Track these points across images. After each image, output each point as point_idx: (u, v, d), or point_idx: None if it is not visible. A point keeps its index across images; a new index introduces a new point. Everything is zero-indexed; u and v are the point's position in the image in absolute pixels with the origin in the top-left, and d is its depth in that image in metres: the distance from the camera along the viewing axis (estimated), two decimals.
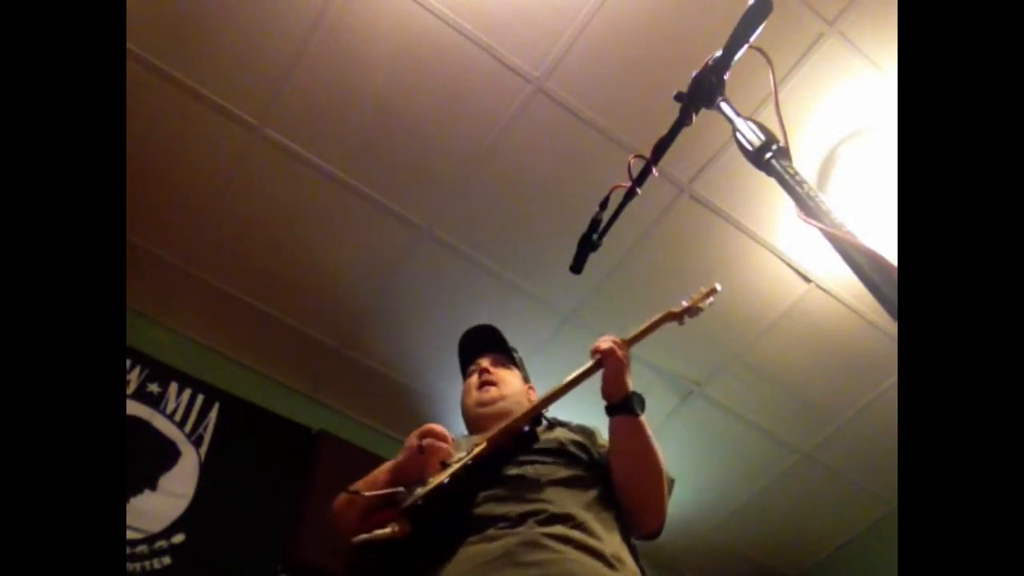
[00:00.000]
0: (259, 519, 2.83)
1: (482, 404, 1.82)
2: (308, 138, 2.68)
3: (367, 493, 1.58)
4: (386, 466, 1.65)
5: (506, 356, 1.95)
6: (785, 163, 1.09)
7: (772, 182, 1.09)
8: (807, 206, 1.02)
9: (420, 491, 1.53)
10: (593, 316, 3.05)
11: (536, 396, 1.91)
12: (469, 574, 1.40)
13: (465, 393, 1.90)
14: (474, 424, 1.83)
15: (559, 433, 1.71)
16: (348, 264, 2.99)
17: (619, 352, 1.63)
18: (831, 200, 1.25)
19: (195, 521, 2.70)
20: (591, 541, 1.44)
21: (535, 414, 1.68)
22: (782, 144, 1.11)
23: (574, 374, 1.65)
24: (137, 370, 2.89)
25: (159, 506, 2.67)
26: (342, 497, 1.67)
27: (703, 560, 3.86)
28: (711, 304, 1.77)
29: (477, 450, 1.59)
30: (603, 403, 1.65)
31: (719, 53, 1.24)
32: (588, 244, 1.51)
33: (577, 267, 1.55)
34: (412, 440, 1.61)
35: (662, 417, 3.29)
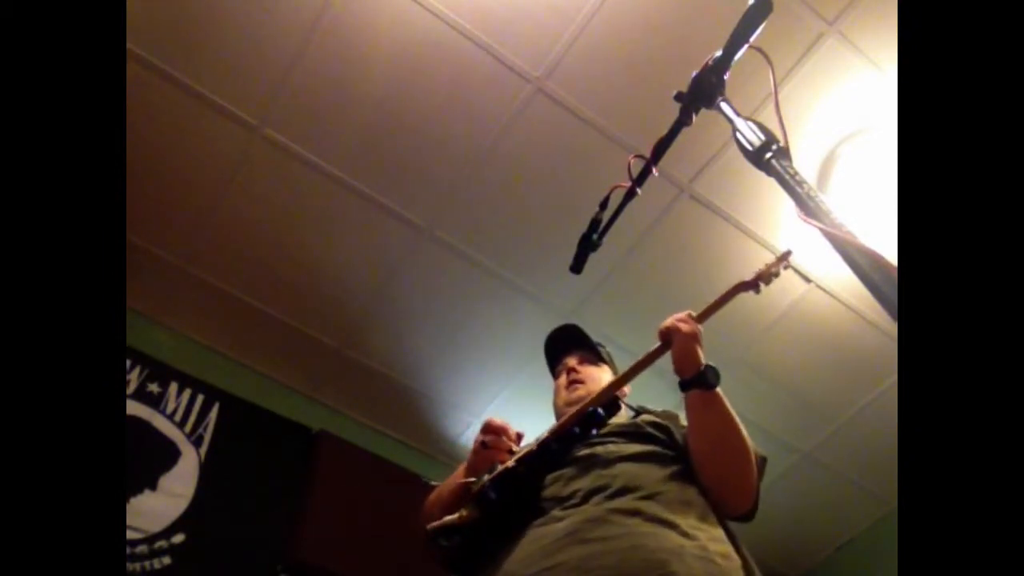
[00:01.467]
0: (259, 519, 2.83)
1: (571, 403, 1.80)
2: (308, 138, 2.68)
3: (443, 484, 1.61)
4: (462, 464, 1.66)
5: (592, 353, 1.93)
6: (785, 163, 1.09)
7: (772, 182, 1.09)
8: (807, 206, 1.02)
9: (486, 477, 1.54)
10: (593, 316, 3.05)
11: (628, 391, 1.88)
12: (534, 555, 1.38)
13: (556, 393, 1.90)
14: None
15: (641, 418, 1.68)
16: (348, 264, 2.99)
17: (684, 327, 1.56)
18: (831, 200, 1.25)
19: (195, 521, 2.70)
20: (663, 512, 1.39)
21: (606, 398, 1.63)
22: (782, 144, 1.12)
23: (641, 356, 1.61)
24: (137, 370, 2.88)
25: (159, 506, 2.67)
26: (431, 495, 1.69)
27: None
28: (786, 269, 1.69)
29: (544, 434, 1.59)
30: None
31: (719, 53, 1.24)
32: (588, 244, 1.52)
33: (577, 267, 1.55)
34: (477, 437, 1.62)
35: None
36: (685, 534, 1.35)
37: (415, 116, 2.62)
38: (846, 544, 3.79)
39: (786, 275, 2.94)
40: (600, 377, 1.86)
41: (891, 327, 2.97)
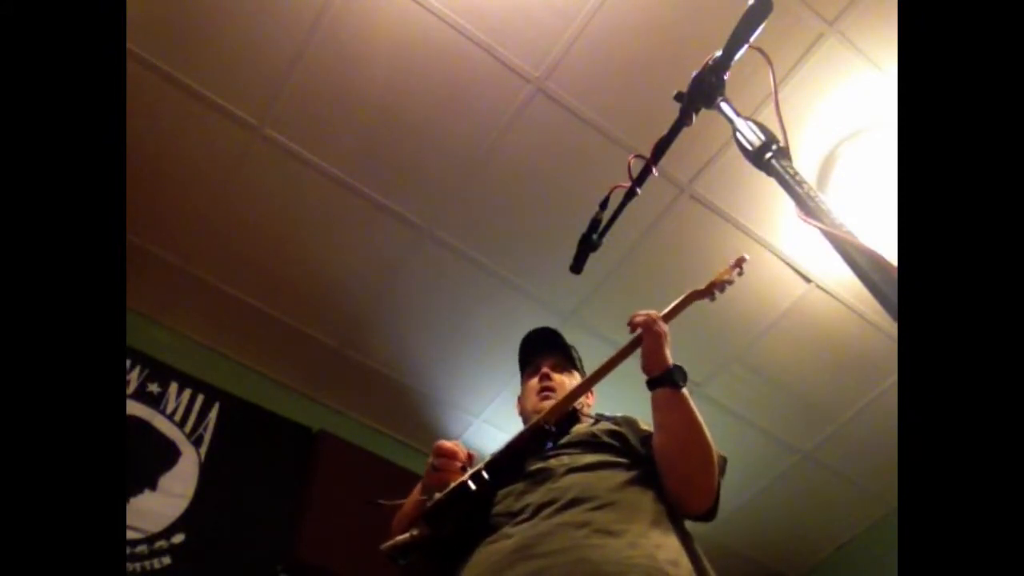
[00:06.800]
0: (259, 519, 2.83)
1: (540, 411, 1.78)
2: (308, 138, 2.68)
3: (391, 503, 1.64)
4: (418, 484, 1.67)
5: (567, 359, 1.92)
6: (785, 163, 1.09)
7: (772, 182, 1.09)
8: (807, 206, 1.02)
9: (438, 495, 1.54)
10: (593, 316, 3.05)
11: (592, 399, 1.88)
12: (484, 573, 1.38)
13: (524, 395, 1.89)
14: None
15: (599, 426, 1.67)
16: (348, 264, 2.99)
17: (655, 326, 1.59)
18: (831, 200, 1.25)
19: (195, 521, 2.70)
20: (612, 523, 1.39)
21: (563, 409, 1.63)
22: (782, 144, 1.12)
23: (611, 356, 1.61)
24: (137, 370, 2.89)
25: (159, 506, 2.67)
26: (398, 513, 1.70)
27: None
28: (739, 276, 1.68)
29: (498, 450, 1.60)
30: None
31: (719, 53, 1.24)
32: (588, 244, 1.52)
33: (577, 267, 1.55)
34: (428, 460, 1.62)
35: None
36: (632, 543, 1.36)
37: (415, 116, 2.62)
38: (846, 544, 3.80)
39: (786, 275, 2.98)
40: (572, 386, 1.84)
41: (891, 327, 2.97)
